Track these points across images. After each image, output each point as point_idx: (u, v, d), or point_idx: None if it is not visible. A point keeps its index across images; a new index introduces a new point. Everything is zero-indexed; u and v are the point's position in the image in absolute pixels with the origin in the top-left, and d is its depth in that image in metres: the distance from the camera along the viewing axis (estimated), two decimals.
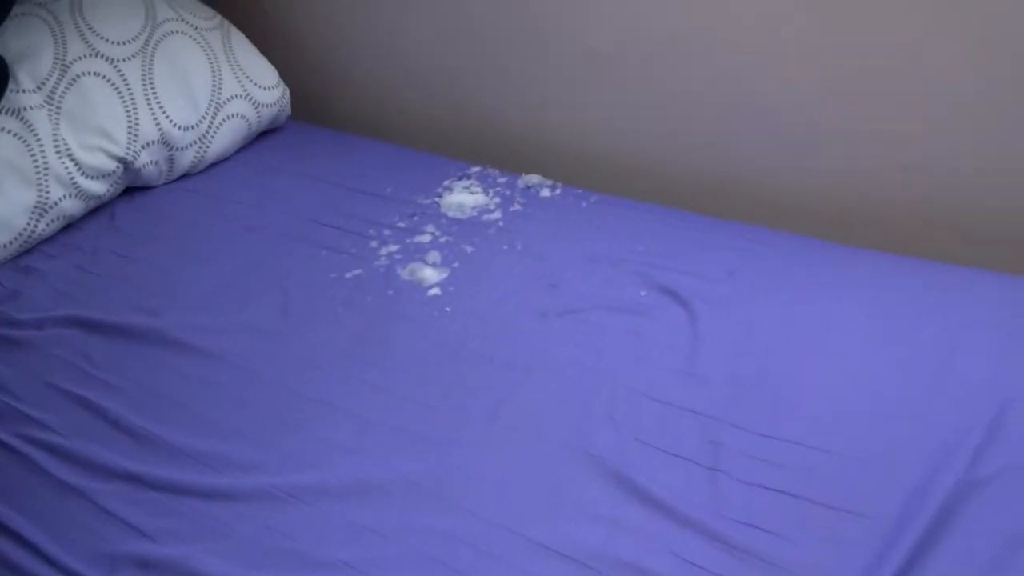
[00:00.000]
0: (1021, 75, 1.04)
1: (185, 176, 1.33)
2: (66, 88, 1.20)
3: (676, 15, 1.19)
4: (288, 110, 1.45)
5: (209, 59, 1.34)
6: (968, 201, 1.15)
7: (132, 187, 1.29)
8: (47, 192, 1.15)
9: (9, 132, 1.14)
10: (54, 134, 1.17)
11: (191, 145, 1.30)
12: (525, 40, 1.32)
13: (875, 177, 1.18)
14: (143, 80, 1.26)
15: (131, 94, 1.24)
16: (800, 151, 1.21)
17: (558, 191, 1.24)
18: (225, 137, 1.34)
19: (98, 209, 1.24)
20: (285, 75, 1.47)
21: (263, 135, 1.44)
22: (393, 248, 1.14)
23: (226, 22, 1.42)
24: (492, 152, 1.43)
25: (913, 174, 1.15)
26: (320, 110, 1.59)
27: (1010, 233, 1.14)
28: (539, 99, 1.36)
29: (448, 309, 1.02)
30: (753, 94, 1.19)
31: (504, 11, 1.31)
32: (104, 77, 1.23)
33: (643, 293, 1.03)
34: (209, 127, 1.32)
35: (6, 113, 1.14)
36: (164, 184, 1.31)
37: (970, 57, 1.05)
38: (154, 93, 1.27)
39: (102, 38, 1.25)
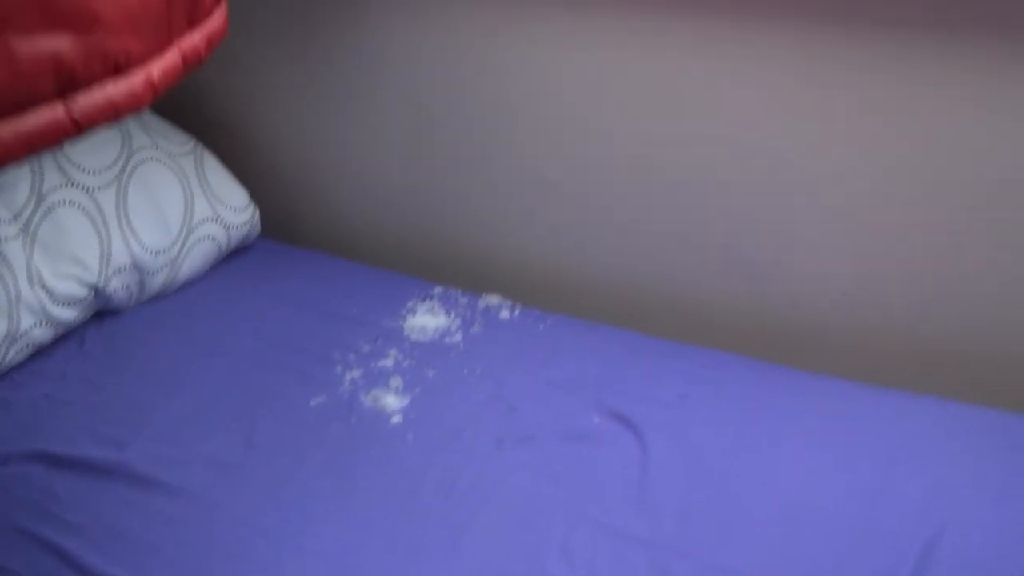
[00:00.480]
0: (959, 206, 1.12)
1: (155, 298, 1.37)
2: (41, 218, 1.24)
3: (624, 150, 1.27)
4: (258, 229, 1.50)
5: (182, 184, 1.40)
6: (908, 327, 1.22)
7: (102, 310, 1.32)
8: (18, 322, 1.17)
9: None
10: (27, 264, 1.20)
11: (162, 268, 1.34)
12: (485, 167, 1.40)
13: (819, 302, 1.26)
14: (117, 207, 1.31)
15: (105, 222, 1.29)
16: (745, 276, 1.28)
17: (517, 312, 1.30)
18: (195, 259, 1.39)
19: (67, 334, 1.27)
20: (256, 193, 1.53)
21: (233, 253, 1.49)
22: (357, 373, 1.18)
23: (200, 146, 1.48)
24: (455, 269, 1.50)
25: (853, 299, 1.23)
26: (290, 227, 1.65)
27: (949, 357, 1.21)
28: (498, 221, 1.44)
29: (410, 437, 1.06)
30: (699, 223, 1.27)
31: (465, 140, 1.39)
32: (79, 206, 1.28)
33: (597, 419, 1.08)
34: (180, 250, 1.36)
35: None
36: (134, 306, 1.34)
37: (906, 192, 1.14)
38: (127, 220, 1.31)
39: (79, 167, 1.30)
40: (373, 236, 1.58)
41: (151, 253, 1.32)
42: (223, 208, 1.43)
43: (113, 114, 0.51)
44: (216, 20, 0.69)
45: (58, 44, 0.46)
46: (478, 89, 1.34)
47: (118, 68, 0.51)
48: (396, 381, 1.16)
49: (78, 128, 0.49)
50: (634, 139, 1.26)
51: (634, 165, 1.28)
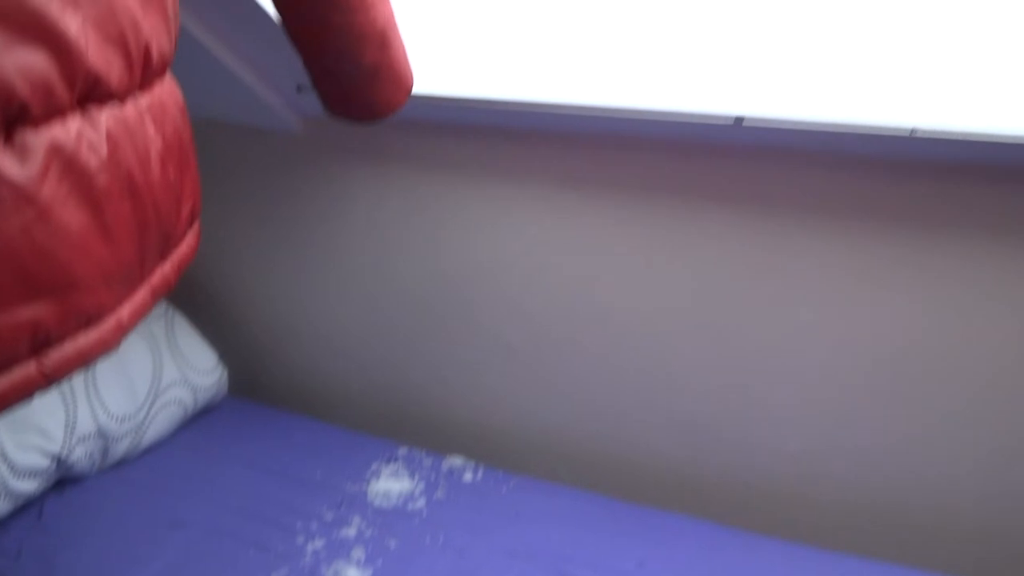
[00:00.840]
0: (907, 368, 1.16)
1: (119, 463, 1.36)
2: None
3: (583, 317, 1.33)
4: (225, 389, 1.53)
5: (151, 349, 1.42)
6: (861, 495, 1.25)
7: (63, 478, 1.31)
8: None
9: None
10: None
11: (127, 435, 1.35)
12: (449, 331, 1.45)
13: (777, 470, 1.29)
14: (85, 376, 1.33)
15: (72, 390, 1.30)
16: (705, 442, 1.31)
17: (480, 475, 1.32)
18: (161, 424, 1.40)
19: (26, 505, 1.26)
20: (224, 350, 1.56)
21: (199, 414, 1.50)
22: (319, 543, 1.18)
23: (171, 309, 1.52)
24: (419, 428, 1.52)
25: (808, 467, 1.26)
26: (258, 384, 1.67)
27: (907, 525, 1.24)
28: (462, 382, 1.47)
29: None
30: (659, 390, 1.31)
31: (428, 305, 1.45)
32: None
33: None
34: (147, 416, 1.37)
35: None
36: (96, 473, 1.34)
37: (853, 353, 1.18)
38: (95, 388, 1.33)
39: None
40: (339, 395, 1.61)
41: (117, 420, 1.33)
42: (191, 371, 1.46)
43: (83, 363, 0.55)
44: (188, 242, 0.74)
45: (36, 311, 0.50)
46: (439, 256, 1.41)
47: (90, 321, 0.56)
48: (358, 552, 1.15)
49: (48, 382, 0.52)
50: (593, 308, 1.32)
51: (593, 331, 1.33)
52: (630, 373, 1.32)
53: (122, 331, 0.59)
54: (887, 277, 1.12)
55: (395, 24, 0.96)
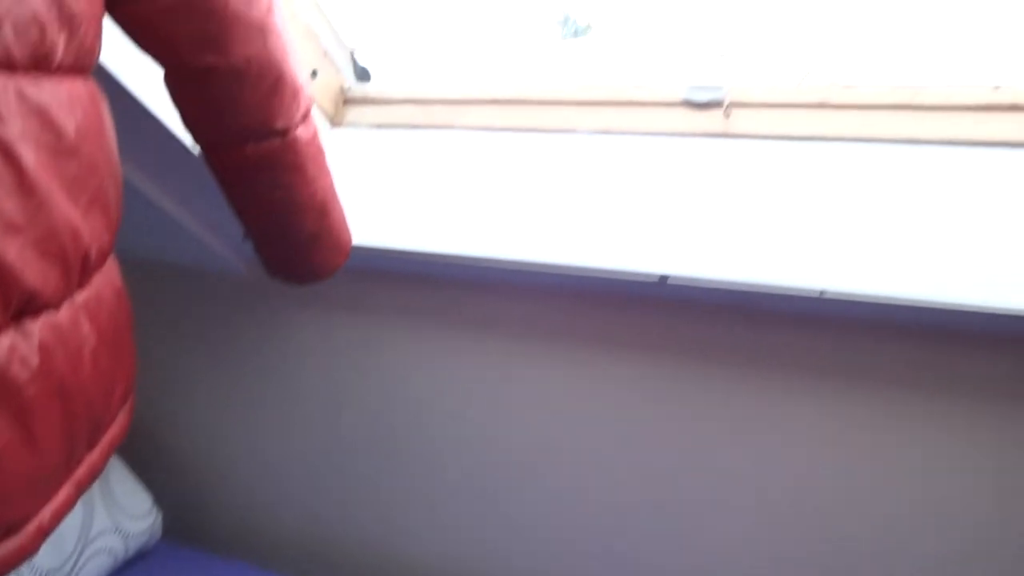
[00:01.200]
0: (827, 513, 1.19)
1: None
2: None
3: (528, 464, 1.35)
4: (159, 534, 1.48)
5: (83, 498, 1.38)
6: None
7: None
8: None
9: None
10: None
11: None
12: (395, 475, 1.44)
13: None
14: None
15: None
16: None
17: None
18: (89, 575, 1.34)
19: None
20: (160, 492, 1.52)
21: (131, 561, 1.44)
22: None
23: None
24: (363, 572, 1.49)
25: None
26: (193, 528, 1.63)
27: None
28: (408, 525, 1.46)
29: None
30: (587, 540, 1.32)
31: (376, 448, 1.45)
32: None
33: None
34: (73, 568, 1.32)
35: None
36: None
37: (778, 499, 1.21)
38: None
39: None
40: (279, 537, 1.57)
41: (40, 574, 1.27)
42: (124, 517, 1.41)
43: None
44: (119, 423, 0.74)
45: None
46: (385, 400, 1.42)
47: (10, 531, 0.55)
48: None
49: None
50: (538, 450, 1.33)
51: (539, 473, 1.34)
52: (579, 513, 1.33)
53: (43, 535, 0.59)
54: (805, 426, 1.17)
55: (334, 192, 1.01)
